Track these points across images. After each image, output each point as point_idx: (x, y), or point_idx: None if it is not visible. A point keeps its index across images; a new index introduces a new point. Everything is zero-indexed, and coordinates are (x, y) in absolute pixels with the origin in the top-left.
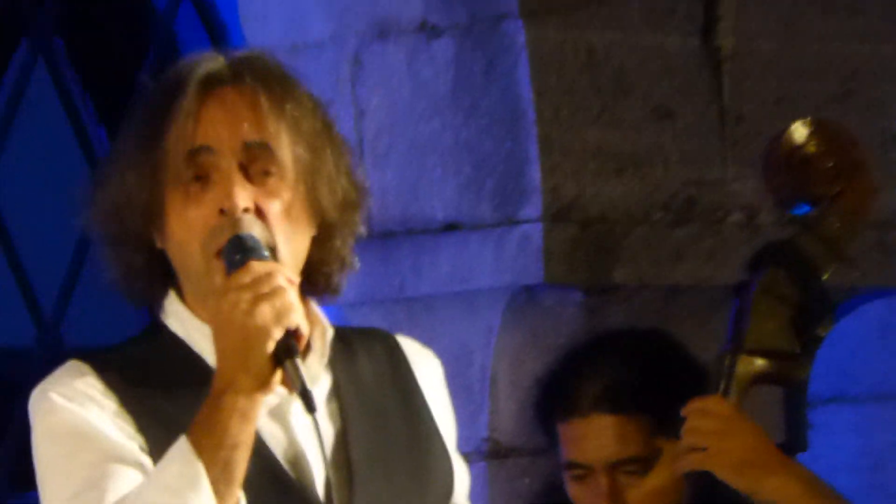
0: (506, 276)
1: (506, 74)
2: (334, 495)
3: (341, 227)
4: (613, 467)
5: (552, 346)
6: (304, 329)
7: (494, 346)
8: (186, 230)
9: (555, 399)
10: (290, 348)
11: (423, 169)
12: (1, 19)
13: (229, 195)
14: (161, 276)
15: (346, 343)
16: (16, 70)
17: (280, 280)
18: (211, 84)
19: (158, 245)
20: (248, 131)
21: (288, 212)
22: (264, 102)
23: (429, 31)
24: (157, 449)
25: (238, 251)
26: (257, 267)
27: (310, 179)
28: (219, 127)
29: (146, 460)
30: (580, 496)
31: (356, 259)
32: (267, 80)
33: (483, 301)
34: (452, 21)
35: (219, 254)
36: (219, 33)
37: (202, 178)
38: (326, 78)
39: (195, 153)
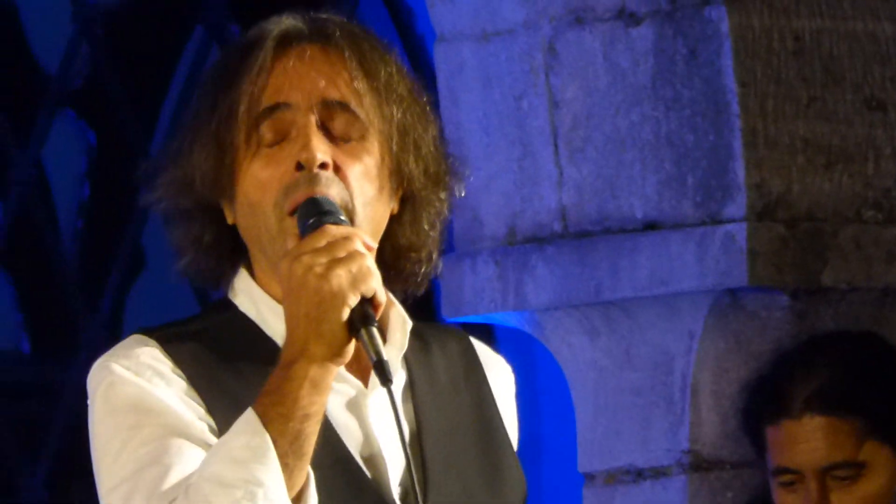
0: (708, 278)
1: (708, 63)
2: (410, 496)
3: (427, 205)
4: (824, 472)
5: (758, 353)
6: (382, 297)
7: (696, 352)
8: (260, 190)
9: (764, 402)
10: (366, 316)
11: (622, 164)
12: (175, 7)
13: (306, 146)
14: (231, 252)
15: (422, 339)
16: (190, 57)
17: (357, 244)
18: (289, 40)
19: (229, 220)
20: (328, 89)
21: (368, 173)
22: (349, 60)
23: (627, 17)
24: (226, 432)
25: (313, 213)
26: (333, 230)
27: (395, 145)
28: (296, 82)
29: (214, 441)
30: None
31: (440, 265)
32: (353, 38)
33: (684, 305)
34: (652, 7)
35: (293, 214)
36: (404, 19)
37: (277, 139)
38: (518, 67)
39: (271, 110)
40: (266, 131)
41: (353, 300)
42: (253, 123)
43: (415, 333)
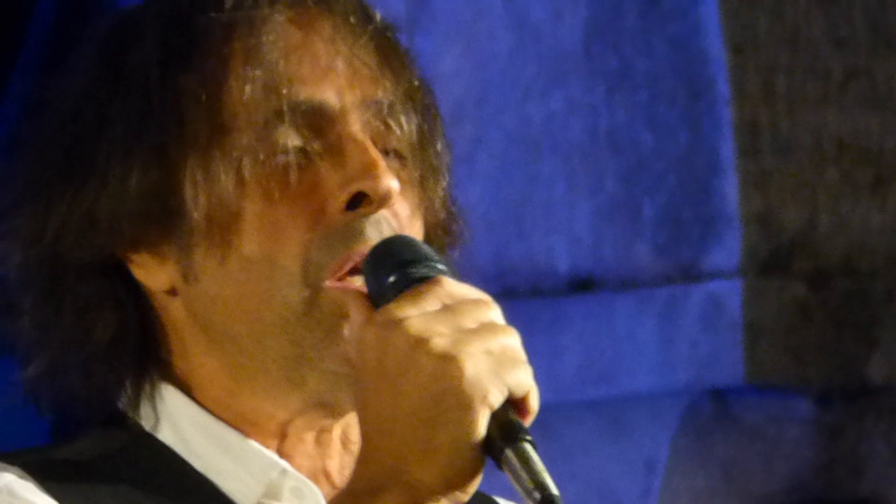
0: (678, 372)
1: (679, 14)
2: None
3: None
4: None
5: (762, 496)
6: (536, 401)
7: (657, 495)
8: (273, 236)
9: None
10: (514, 427)
11: (534, 181)
12: None
13: (372, 169)
14: (139, 347)
15: None
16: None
17: (496, 314)
18: (290, 2)
19: (158, 285)
20: (370, 83)
21: (415, 213)
22: (380, 45)
23: None
24: None
25: (393, 265)
26: (453, 287)
27: (421, 174)
28: (330, 72)
29: None
30: None
31: None
32: (369, 16)
33: (639, 416)
34: None
35: (341, 276)
36: None
37: (306, 156)
38: None
39: (301, 108)
40: (287, 138)
41: (497, 399)
42: (263, 124)
43: None
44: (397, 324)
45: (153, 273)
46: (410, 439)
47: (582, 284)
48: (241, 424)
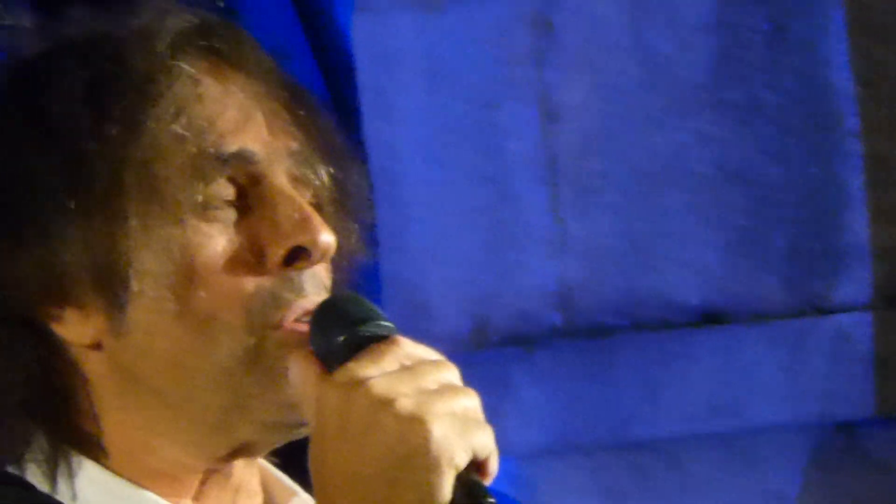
0: (808, 404)
1: (806, 46)
2: None
3: None
4: None
5: None
6: (496, 463)
7: None
8: (211, 292)
9: None
10: (477, 489)
11: (661, 215)
12: None
13: (307, 223)
14: (52, 397)
15: None
16: None
17: (454, 374)
18: (205, 53)
19: (80, 339)
20: (284, 134)
21: (329, 270)
22: (289, 96)
23: None
24: None
25: (340, 325)
26: (409, 347)
27: (336, 223)
28: (252, 123)
29: None
30: None
31: None
32: (270, 66)
33: (768, 449)
34: None
35: (282, 328)
36: None
37: (233, 209)
38: (490, 51)
39: (230, 159)
40: (219, 189)
41: (463, 460)
42: (194, 175)
43: None
44: (359, 384)
45: (76, 328)
46: (373, 499)
47: (711, 317)
48: (153, 480)
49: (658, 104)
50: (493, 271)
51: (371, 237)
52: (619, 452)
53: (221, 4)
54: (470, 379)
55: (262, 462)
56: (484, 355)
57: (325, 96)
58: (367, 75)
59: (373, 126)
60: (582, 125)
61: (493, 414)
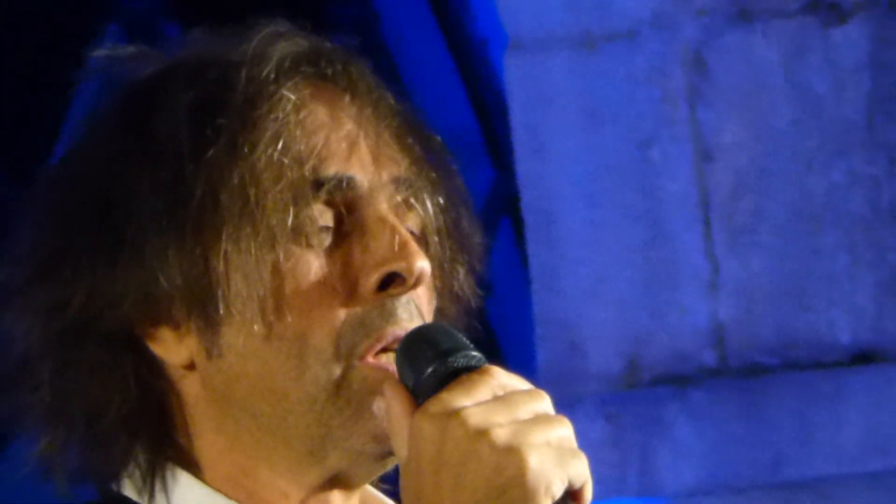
0: None
1: None
2: None
3: None
4: None
5: None
6: (590, 491)
7: None
8: (303, 316)
9: None
10: None
11: (817, 254)
12: None
13: (405, 249)
14: (156, 418)
15: None
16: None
17: (548, 404)
18: (312, 78)
19: (176, 360)
20: (391, 161)
21: (431, 299)
22: (399, 123)
23: (825, 9)
24: None
25: (429, 356)
26: (503, 377)
27: (440, 259)
28: (356, 149)
29: None
30: None
31: None
32: (381, 93)
33: None
34: None
35: (373, 354)
36: (454, 15)
37: (331, 235)
38: (644, 91)
39: (331, 185)
40: (317, 215)
41: (559, 489)
42: (293, 201)
43: None
44: (454, 414)
45: (171, 347)
46: None
47: (864, 357)
48: (252, 502)
49: (812, 144)
50: (647, 310)
51: (523, 276)
52: (771, 492)
53: (309, 28)
54: (623, 418)
55: (371, 490)
56: (637, 394)
57: (476, 133)
58: (520, 114)
59: (527, 165)
60: (736, 164)
61: (645, 453)
